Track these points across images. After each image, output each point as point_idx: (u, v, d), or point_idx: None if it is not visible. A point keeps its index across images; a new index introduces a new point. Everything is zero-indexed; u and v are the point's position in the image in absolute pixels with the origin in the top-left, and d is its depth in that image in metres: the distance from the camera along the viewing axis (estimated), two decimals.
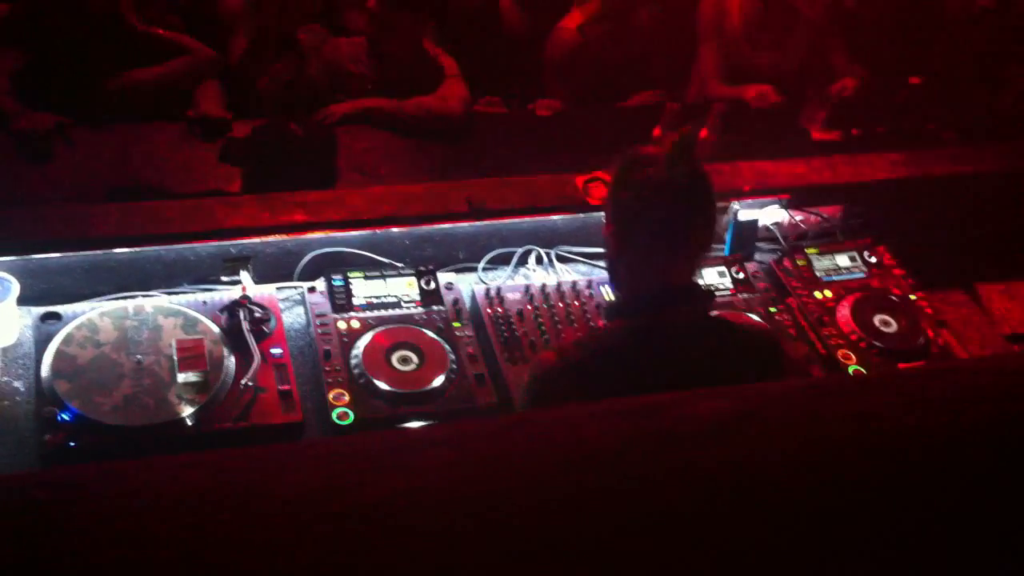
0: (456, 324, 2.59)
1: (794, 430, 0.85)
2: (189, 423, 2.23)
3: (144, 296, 2.53)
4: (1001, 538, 0.84)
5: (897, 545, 0.82)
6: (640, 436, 0.81)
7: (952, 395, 0.88)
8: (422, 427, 0.79)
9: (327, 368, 2.40)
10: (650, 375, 1.86)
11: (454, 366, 2.46)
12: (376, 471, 0.75)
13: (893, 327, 2.75)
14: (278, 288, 2.63)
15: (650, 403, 0.86)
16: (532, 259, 2.87)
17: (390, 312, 2.58)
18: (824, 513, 0.81)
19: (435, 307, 2.62)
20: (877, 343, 2.70)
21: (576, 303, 2.70)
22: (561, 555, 0.73)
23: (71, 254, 2.51)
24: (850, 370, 2.64)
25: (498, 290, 2.69)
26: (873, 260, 2.96)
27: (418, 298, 2.63)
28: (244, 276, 2.59)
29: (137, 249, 2.55)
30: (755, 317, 2.70)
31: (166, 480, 0.74)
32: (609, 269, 2.15)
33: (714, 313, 2.12)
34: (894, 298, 2.84)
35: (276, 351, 2.41)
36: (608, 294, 2.74)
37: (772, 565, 0.76)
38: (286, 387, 2.34)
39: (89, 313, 2.40)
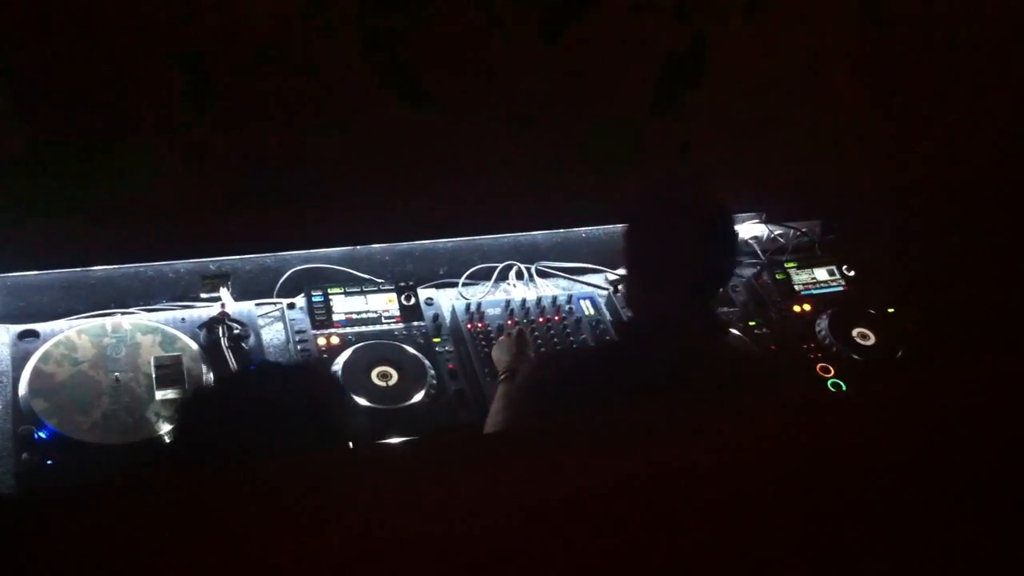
0: (436, 340, 2.60)
1: None
2: (168, 441, 2.22)
3: (122, 313, 2.52)
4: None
5: None
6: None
7: None
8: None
9: None
10: (638, 387, 1.89)
11: (434, 382, 2.46)
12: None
13: (871, 340, 2.77)
14: (257, 304, 2.62)
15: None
16: (512, 274, 2.88)
17: (370, 328, 2.58)
18: None
19: (415, 323, 2.62)
20: (855, 356, 2.72)
21: (557, 318, 2.71)
22: None
23: (48, 272, 2.51)
24: (829, 383, 2.66)
25: (478, 305, 2.69)
26: (851, 273, 2.98)
27: (398, 314, 2.63)
28: (223, 293, 2.58)
29: (115, 266, 2.54)
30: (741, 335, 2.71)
31: None
32: (625, 288, 2.20)
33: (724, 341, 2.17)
34: (872, 311, 2.86)
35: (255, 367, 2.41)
36: (589, 309, 2.76)
37: None
38: None
39: (67, 331, 2.39)
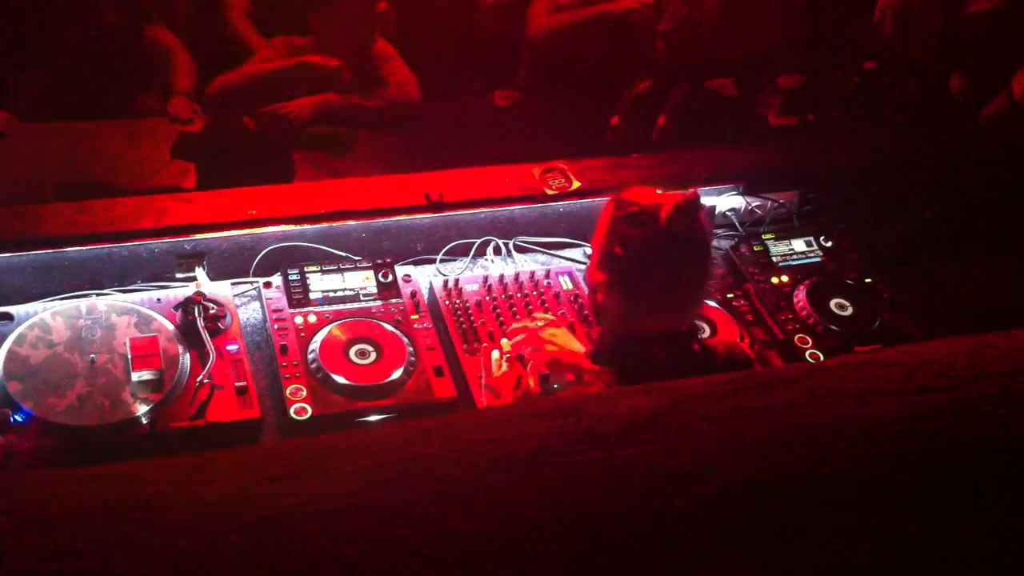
0: (414, 316, 2.59)
1: (711, 425, 0.86)
2: (144, 422, 2.22)
3: (97, 295, 2.51)
4: (913, 527, 0.85)
5: (813, 537, 0.83)
6: (556, 436, 0.82)
7: (866, 388, 0.89)
8: (337, 434, 0.78)
9: (284, 363, 2.39)
10: None
11: (412, 359, 2.46)
12: (289, 479, 0.75)
13: (849, 310, 2.78)
14: (233, 284, 2.61)
15: (568, 403, 0.86)
16: (490, 250, 2.87)
17: (347, 306, 2.57)
18: (739, 506, 0.82)
19: (393, 300, 2.61)
20: (833, 327, 2.73)
21: (534, 293, 2.70)
22: (474, 557, 0.74)
23: (22, 254, 2.49)
24: (807, 354, 2.66)
25: (456, 282, 2.69)
26: (829, 244, 2.98)
27: (375, 291, 2.62)
28: (199, 272, 2.57)
29: (89, 247, 2.52)
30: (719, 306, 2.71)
31: (72, 491, 0.74)
32: (595, 311, 2.13)
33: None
34: (850, 282, 2.86)
35: (232, 347, 2.40)
36: (567, 283, 2.75)
37: (684, 561, 0.78)
38: (243, 383, 2.32)
39: (41, 313, 2.38)
